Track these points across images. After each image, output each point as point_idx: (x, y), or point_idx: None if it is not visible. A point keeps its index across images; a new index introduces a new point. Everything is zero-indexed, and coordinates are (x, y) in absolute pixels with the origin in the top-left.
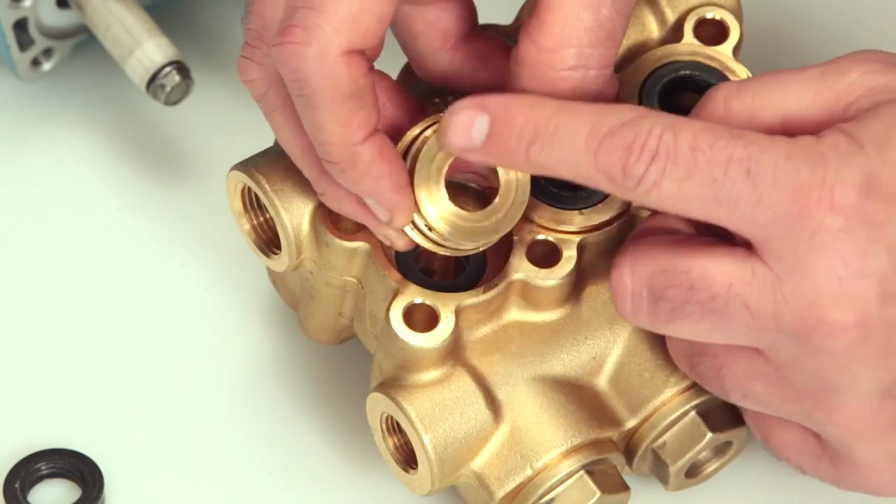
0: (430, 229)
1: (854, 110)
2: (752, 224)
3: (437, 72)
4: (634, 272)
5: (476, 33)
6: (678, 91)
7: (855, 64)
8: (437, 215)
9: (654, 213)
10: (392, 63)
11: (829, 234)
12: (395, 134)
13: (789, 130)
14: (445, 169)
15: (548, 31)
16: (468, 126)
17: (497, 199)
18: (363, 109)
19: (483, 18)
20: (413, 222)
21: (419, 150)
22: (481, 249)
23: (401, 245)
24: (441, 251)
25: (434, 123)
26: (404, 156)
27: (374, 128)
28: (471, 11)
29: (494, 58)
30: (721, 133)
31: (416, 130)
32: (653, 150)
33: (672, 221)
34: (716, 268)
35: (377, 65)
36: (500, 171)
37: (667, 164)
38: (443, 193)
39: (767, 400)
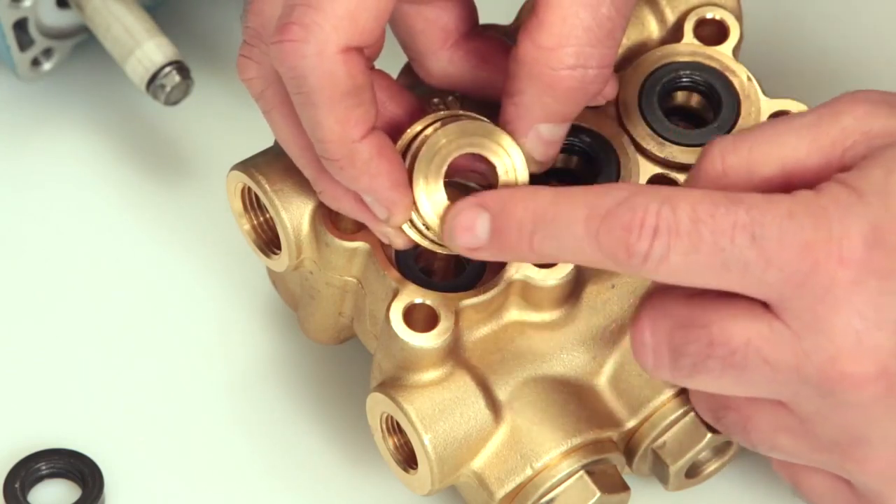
0: (428, 228)
1: (851, 157)
2: (764, 286)
3: (437, 71)
4: (654, 328)
5: (476, 33)
6: (678, 91)
7: (849, 107)
8: (435, 214)
9: None
10: (393, 62)
11: (841, 289)
12: (394, 132)
13: (789, 181)
14: (445, 168)
15: (547, 29)
16: (472, 227)
17: None
18: (361, 107)
19: (483, 18)
20: (411, 221)
21: (419, 148)
22: None
23: (399, 243)
24: (439, 250)
25: (434, 122)
26: (403, 154)
27: (373, 125)
28: (471, 11)
29: (494, 57)
30: (719, 200)
31: (416, 128)
32: (653, 226)
33: None
34: (734, 323)
35: (378, 64)
36: (499, 171)
37: (670, 239)
38: (441, 192)
39: (795, 451)
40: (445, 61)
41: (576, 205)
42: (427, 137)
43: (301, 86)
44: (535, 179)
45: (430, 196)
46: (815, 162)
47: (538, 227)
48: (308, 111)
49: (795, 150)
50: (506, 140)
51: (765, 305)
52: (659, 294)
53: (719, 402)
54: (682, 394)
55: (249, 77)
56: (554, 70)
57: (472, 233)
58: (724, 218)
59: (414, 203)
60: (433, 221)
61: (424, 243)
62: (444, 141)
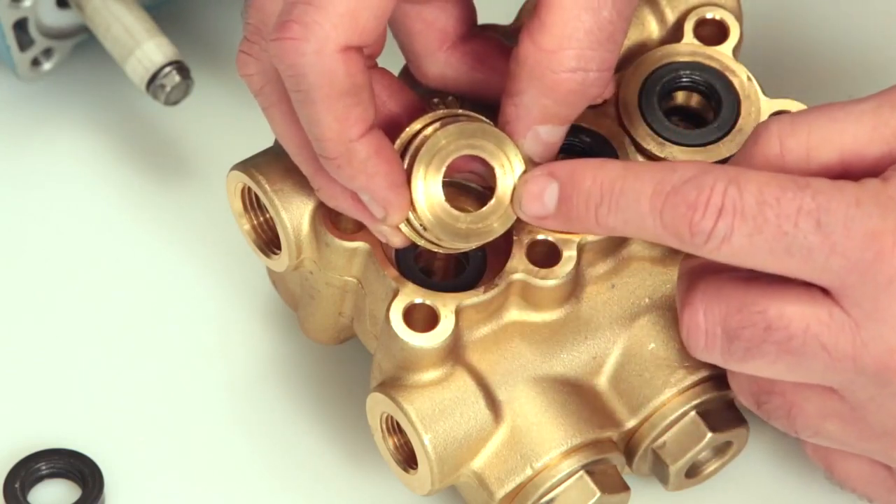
0: (425, 228)
1: None
2: (827, 273)
3: (433, 73)
4: (709, 310)
5: (473, 34)
6: (678, 91)
7: None
8: (431, 214)
9: None
10: (393, 61)
11: None
12: (394, 130)
13: (848, 168)
14: (444, 169)
15: (548, 31)
16: (540, 195)
17: (493, 201)
18: (360, 106)
19: (483, 18)
20: (408, 220)
21: (418, 148)
22: (475, 247)
23: (397, 242)
24: (436, 249)
25: (434, 121)
26: (402, 153)
27: (371, 124)
28: (470, 12)
29: (491, 59)
30: (786, 184)
31: (415, 127)
32: (718, 206)
33: None
34: (793, 309)
35: (379, 63)
36: (497, 174)
37: (735, 220)
38: (439, 192)
39: (842, 438)
40: (442, 63)
41: (643, 180)
42: (426, 137)
43: (300, 84)
44: None
45: (429, 196)
46: (875, 151)
47: (605, 199)
48: (306, 109)
49: (856, 139)
50: (504, 142)
51: (824, 292)
52: (713, 275)
53: (762, 387)
54: (683, 394)
55: (249, 73)
56: (554, 72)
57: (541, 202)
58: (791, 202)
59: (412, 203)
60: (430, 222)
61: (422, 242)
62: (443, 142)
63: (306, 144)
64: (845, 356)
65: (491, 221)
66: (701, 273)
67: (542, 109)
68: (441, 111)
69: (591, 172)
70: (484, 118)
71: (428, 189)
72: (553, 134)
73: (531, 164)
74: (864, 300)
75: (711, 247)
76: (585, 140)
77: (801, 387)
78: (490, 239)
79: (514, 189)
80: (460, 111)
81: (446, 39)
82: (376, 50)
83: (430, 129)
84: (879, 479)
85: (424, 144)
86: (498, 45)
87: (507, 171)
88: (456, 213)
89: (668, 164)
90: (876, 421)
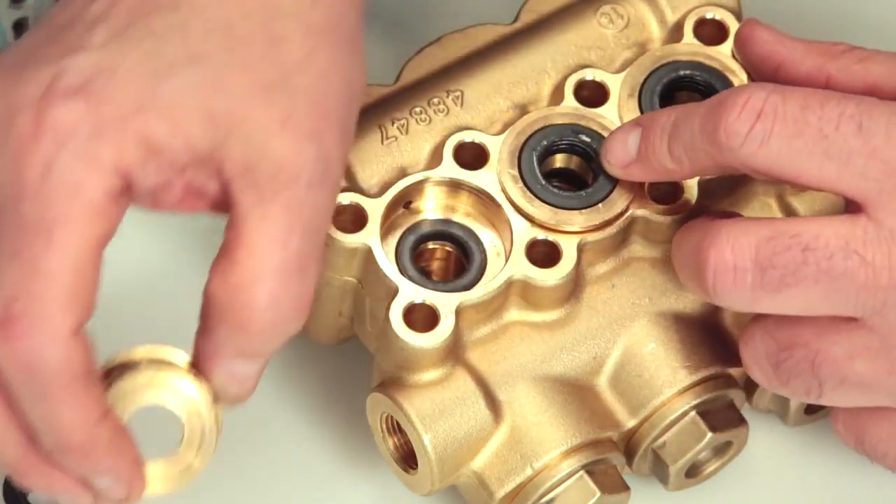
0: None
1: None
2: (865, 179)
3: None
4: (736, 244)
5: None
6: (678, 91)
7: None
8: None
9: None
10: (393, 60)
11: None
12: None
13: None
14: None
15: (238, 268)
16: (625, 140)
17: (184, 442)
18: (95, 385)
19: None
20: None
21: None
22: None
23: None
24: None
25: (115, 369)
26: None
27: (105, 404)
28: None
29: None
30: (831, 95)
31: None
32: (758, 109)
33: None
34: (829, 228)
35: (378, 66)
36: (184, 421)
37: (774, 123)
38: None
39: (870, 377)
40: None
41: (702, 104)
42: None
43: (34, 380)
44: (536, 179)
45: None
46: None
47: (674, 128)
48: (42, 404)
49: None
50: (188, 385)
51: (853, 212)
52: (733, 219)
53: (782, 341)
54: (683, 394)
55: None
56: (245, 309)
57: (625, 146)
58: (835, 108)
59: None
60: None
61: None
62: (119, 402)
63: (20, 441)
64: (882, 268)
65: (189, 461)
66: (715, 219)
67: (235, 346)
68: (120, 356)
69: (669, 110)
70: (171, 356)
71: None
72: (248, 369)
73: (228, 398)
74: None
75: (748, 150)
76: (585, 140)
77: (826, 331)
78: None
79: (602, 144)
80: (138, 359)
81: None
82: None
83: (111, 389)
84: None
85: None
86: None
87: (193, 413)
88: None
89: (730, 90)
90: None
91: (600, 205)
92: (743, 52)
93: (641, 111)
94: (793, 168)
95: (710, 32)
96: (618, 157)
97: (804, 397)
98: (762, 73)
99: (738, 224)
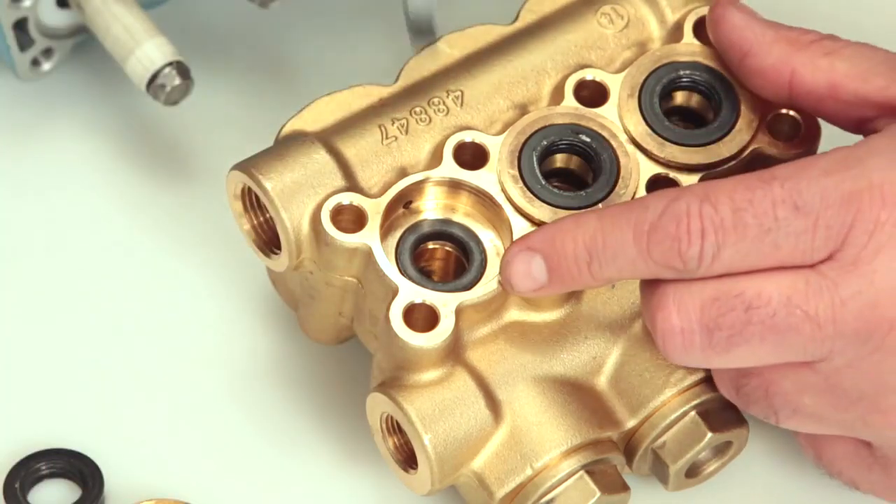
0: None
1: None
2: (818, 250)
3: None
4: (681, 308)
5: None
6: (677, 91)
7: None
8: None
9: None
10: (395, 59)
11: (884, 233)
12: None
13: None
14: None
15: None
16: (528, 272)
17: None
18: None
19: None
20: None
21: None
22: None
23: None
24: None
25: None
26: None
27: None
28: None
29: None
30: (753, 184)
31: None
32: (699, 229)
33: None
34: (770, 284)
35: (377, 60)
36: None
37: (717, 236)
38: None
39: (818, 412)
40: None
41: (621, 227)
42: None
43: None
44: (535, 178)
45: None
46: None
47: (593, 257)
48: None
49: None
50: None
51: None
52: (679, 282)
53: (741, 371)
54: (683, 394)
55: None
56: None
57: (530, 277)
58: (763, 200)
59: None
60: None
61: None
62: None
63: None
64: (826, 320)
65: None
66: (660, 282)
67: None
68: None
69: (570, 235)
70: None
71: None
72: None
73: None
74: (845, 260)
75: (705, 267)
76: (585, 140)
77: (776, 366)
78: None
79: (500, 270)
80: None
81: None
82: None
83: None
84: (860, 458)
85: None
86: None
87: None
88: None
89: (638, 202)
90: (851, 386)
91: (600, 205)
92: (714, 34)
93: (641, 111)
94: (749, 266)
95: None
96: (526, 288)
97: (769, 420)
98: (729, 59)
99: (683, 286)
